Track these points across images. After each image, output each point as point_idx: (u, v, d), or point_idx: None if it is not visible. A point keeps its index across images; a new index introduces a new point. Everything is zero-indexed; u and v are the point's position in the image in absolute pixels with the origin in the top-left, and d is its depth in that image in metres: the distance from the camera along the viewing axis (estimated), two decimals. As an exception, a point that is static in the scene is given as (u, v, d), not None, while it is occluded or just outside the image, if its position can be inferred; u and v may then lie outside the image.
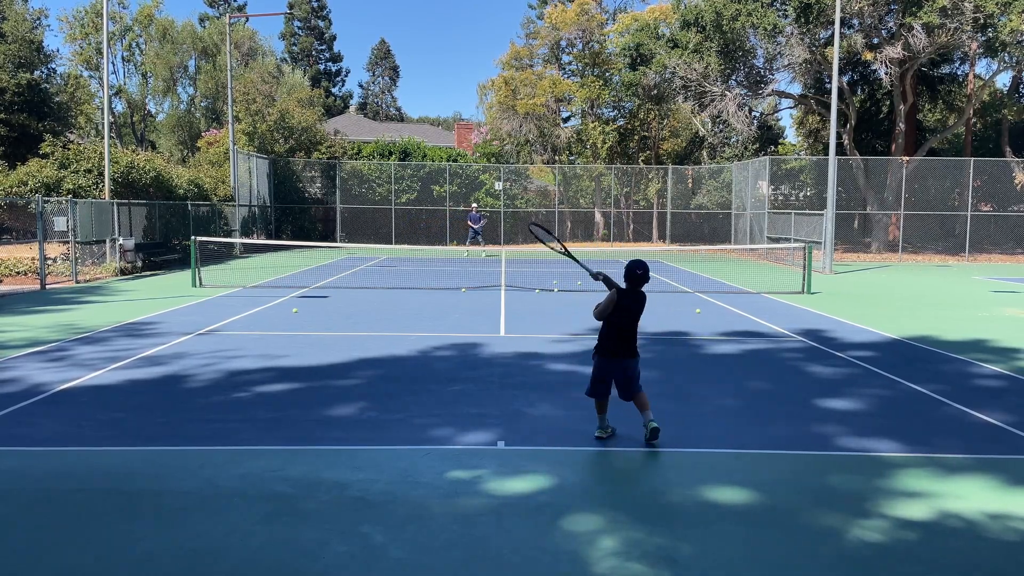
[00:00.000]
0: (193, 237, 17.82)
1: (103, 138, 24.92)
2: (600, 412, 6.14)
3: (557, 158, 40.97)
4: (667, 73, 32.34)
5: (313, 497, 4.91)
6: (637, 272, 5.93)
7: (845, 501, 4.92)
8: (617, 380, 6.03)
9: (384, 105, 79.96)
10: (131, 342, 10.12)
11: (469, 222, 29.07)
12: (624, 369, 6.00)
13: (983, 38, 27.82)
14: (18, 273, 18.92)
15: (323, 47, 71.45)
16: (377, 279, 19.23)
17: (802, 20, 27.54)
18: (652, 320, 12.54)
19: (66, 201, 18.66)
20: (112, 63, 49.34)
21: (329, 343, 10.19)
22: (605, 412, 6.14)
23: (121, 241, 20.20)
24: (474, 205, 31.09)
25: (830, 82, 25.47)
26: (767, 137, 38.10)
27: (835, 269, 23.39)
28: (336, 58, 72.27)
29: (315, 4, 70.11)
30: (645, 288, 6.06)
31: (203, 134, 43.10)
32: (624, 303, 5.94)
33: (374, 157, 37.73)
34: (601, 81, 39.38)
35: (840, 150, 29.61)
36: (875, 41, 29.39)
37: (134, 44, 51.03)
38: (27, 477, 5.30)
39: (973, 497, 5.00)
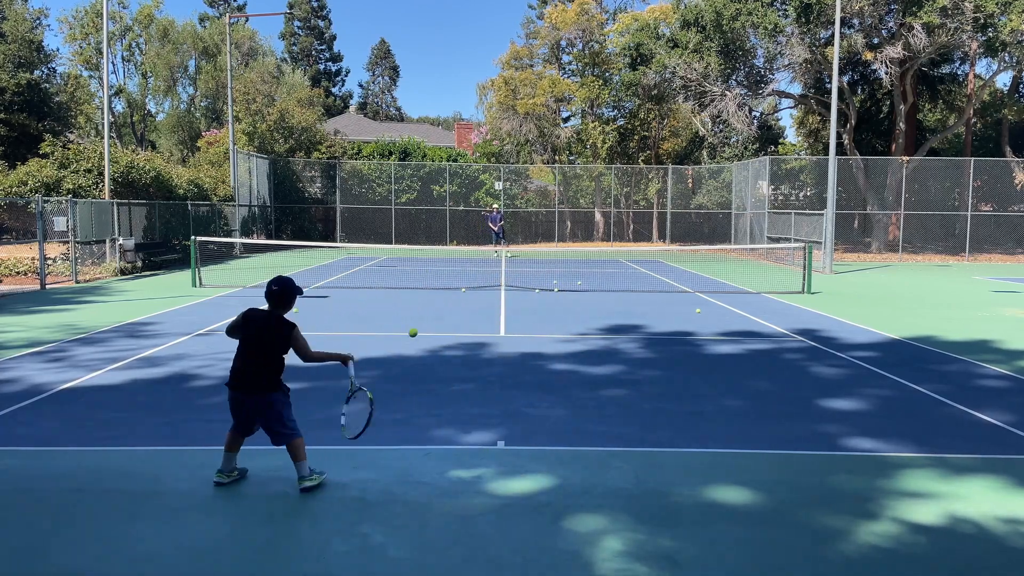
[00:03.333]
0: (193, 237, 17.81)
1: (103, 138, 24.93)
2: (228, 450, 5.04)
3: (557, 158, 40.97)
4: (667, 73, 32.33)
5: (313, 497, 4.91)
6: (272, 288, 4.92)
7: (847, 502, 4.91)
8: (244, 419, 4.96)
9: (384, 105, 79.95)
10: (131, 342, 10.12)
11: (490, 223, 29.16)
12: (249, 407, 4.92)
13: (983, 38, 27.81)
14: (18, 273, 18.92)
15: (323, 47, 71.44)
16: (377, 279, 19.22)
17: (802, 20, 27.53)
18: (653, 320, 12.54)
19: (66, 201, 18.65)
20: (112, 63, 49.39)
21: (329, 343, 10.16)
22: (234, 451, 5.05)
23: (121, 241, 20.19)
24: (495, 206, 31.09)
25: (830, 82, 25.46)
26: (767, 137, 38.09)
27: (835, 269, 23.38)
28: (336, 58, 72.27)
29: (315, 4, 70.08)
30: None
31: (203, 134, 43.11)
32: (242, 326, 4.96)
33: (374, 157, 37.73)
34: (601, 81, 39.37)
35: (840, 150, 29.62)
36: (875, 41, 29.39)
37: (134, 44, 51.04)
38: (27, 477, 5.29)
39: (975, 498, 4.99)
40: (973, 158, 31.77)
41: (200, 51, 49.51)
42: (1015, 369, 8.99)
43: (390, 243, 34.06)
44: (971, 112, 33.96)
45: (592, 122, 39.94)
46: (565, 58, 43.06)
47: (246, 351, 4.95)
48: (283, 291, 4.94)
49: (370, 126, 53.86)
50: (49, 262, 18.79)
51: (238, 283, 17.72)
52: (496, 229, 28.89)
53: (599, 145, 39.55)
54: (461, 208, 36.29)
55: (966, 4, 25.75)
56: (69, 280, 18.07)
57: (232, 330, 5.09)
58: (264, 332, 4.92)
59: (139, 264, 20.73)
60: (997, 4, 25.44)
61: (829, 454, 5.90)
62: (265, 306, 5.08)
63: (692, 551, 4.19)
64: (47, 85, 45.03)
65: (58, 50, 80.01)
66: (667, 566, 4.00)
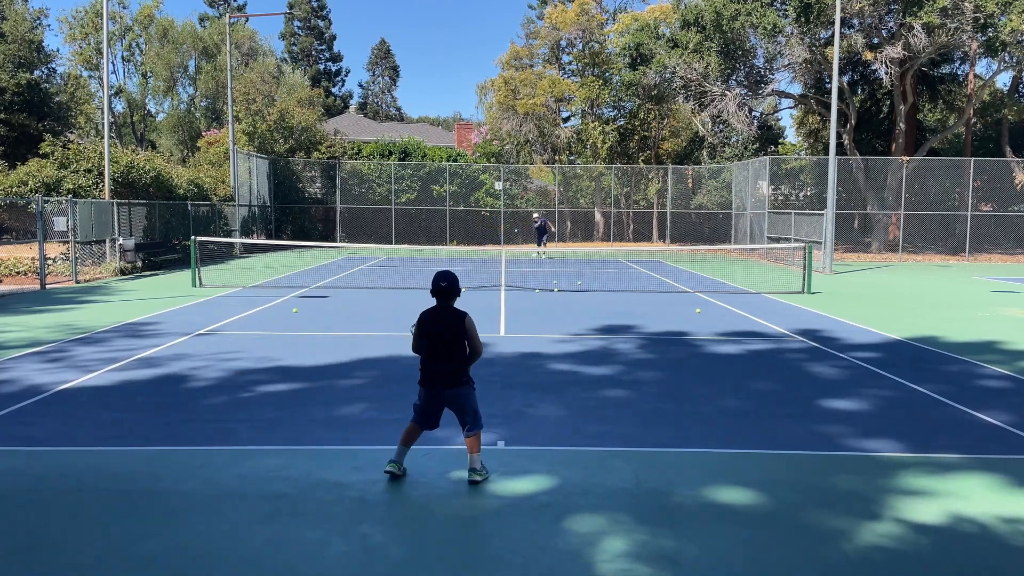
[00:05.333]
0: (193, 237, 17.81)
1: (103, 138, 24.93)
2: (403, 444, 5.32)
3: (557, 158, 40.97)
4: (667, 73, 32.34)
5: (313, 497, 4.90)
6: (441, 284, 5.18)
7: (848, 502, 4.91)
8: (435, 411, 5.29)
9: (384, 105, 79.95)
10: (131, 342, 10.11)
11: (537, 228, 29.20)
12: (445, 400, 5.23)
13: (983, 38, 27.82)
14: (18, 273, 18.91)
15: (323, 47, 71.44)
16: (377, 279, 19.21)
17: (802, 20, 27.53)
18: (653, 320, 12.54)
19: (66, 201, 18.64)
20: (112, 63, 49.36)
21: (329, 343, 10.17)
22: (408, 446, 5.34)
23: (121, 241, 20.18)
24: (536, 214, 31.04)
25: (830, 82, 25.46)
26: (767, 137, 38.09)
27: (835, 269, 23.38)
28: (336, 58, 72.27)
29: (315, 4, 70.08)
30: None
31: (203, 134, 43.10)
32: (426, 329, 5.19)
33: (374, 157, 37.73)
34: (601, 81, 39.37)
35: (840, 150, 29.62)
36: (875, 41, 29.39)
37: (134, 44, 51.05)
38: (27, 477, 5.29)
39: (976, 498, 4.99)
40: (973, 158, 31.77)
41: (200, 51, 49.50)
42: (1015, 369, 8.99)
43: (390, 243, 34.07)
44: (971, 112, 33.96)
45: (592, 122, 39.94)
46: (565, 58, 43.06)
47: (439, 348, 5.18)
48: (452, 282, 5.22)
49: (370, 126, 53.85)
50: (49, 262, 18.79)
51: (238, 283, 17.72)
52: (541, 232, 28.93)
53: (599, 145, 39.55)
54: (461, 208, 36.28)
55: (966, 4, 25.76)
56: (69, 280, 18.07)
57: (419, 341, 5.24)
58: (448, 325, 5.19)
59: (139, 264, 20.73)
60: (997, 4, 25.45)
61: (829, 454, 5.90)
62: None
63: (692, 551, 4.18)
64: (47, 85, 45.06)
65: (58, 50, 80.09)
66: (667, 566, 3.99)
